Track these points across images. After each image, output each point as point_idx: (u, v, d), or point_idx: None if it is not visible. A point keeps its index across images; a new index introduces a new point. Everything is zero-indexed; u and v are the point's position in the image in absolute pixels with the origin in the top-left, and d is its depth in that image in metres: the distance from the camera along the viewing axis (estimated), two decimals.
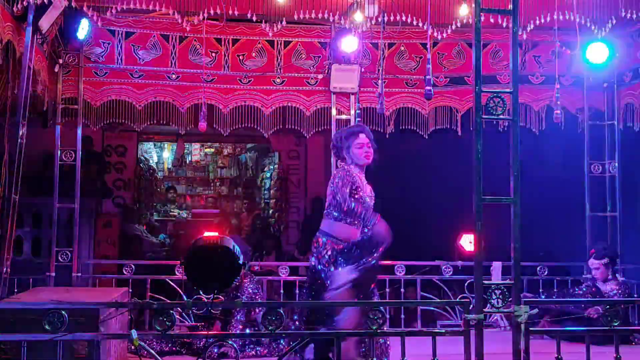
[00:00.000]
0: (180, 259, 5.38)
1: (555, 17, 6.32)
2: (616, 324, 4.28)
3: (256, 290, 6.39)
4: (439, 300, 7.30)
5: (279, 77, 7.52)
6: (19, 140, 5.99)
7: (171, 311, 4.11)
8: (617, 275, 7.00)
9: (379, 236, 4.92)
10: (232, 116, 7.44)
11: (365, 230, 4.98)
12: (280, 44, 7.48)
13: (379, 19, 6.46)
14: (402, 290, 7.39)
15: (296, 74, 7.54)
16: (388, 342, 4.94)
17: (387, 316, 4.63)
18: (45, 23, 6.15)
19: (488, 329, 6.33)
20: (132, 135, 11.78)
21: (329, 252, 4.91)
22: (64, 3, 5.93)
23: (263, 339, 6.04)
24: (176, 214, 14.70)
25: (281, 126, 7.64)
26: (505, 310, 4.28)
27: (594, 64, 7.27)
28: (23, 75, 5.90)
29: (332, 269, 4.87)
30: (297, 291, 7.12)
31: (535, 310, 6.37)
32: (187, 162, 15.88)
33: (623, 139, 7.77)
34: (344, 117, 7.51)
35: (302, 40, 7.51)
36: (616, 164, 7.76)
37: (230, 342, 5.01)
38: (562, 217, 8.67)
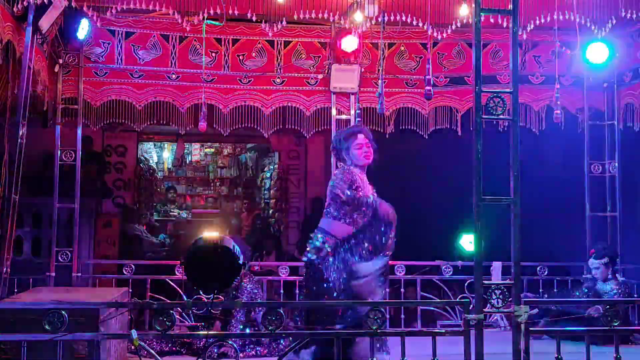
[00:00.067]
0: (180, 259, 5.39)
1: (555, 17, 6.31)
2: (616, 324, 4.27)
3: (256, 290, 6.39)
4: (439, 300, 7.30)
5: (279, 77, 7.51)
6: (19, 140, 5.99)
7: (171, 311, 4.11)
8: (617, 275, 7.00)
9: (386, 216, 4.93)
10: (232, 116, 7.44)
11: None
12: (280, 44, 7.48)
13: (379, 19, 6.46)
14: (402, 290, 7.40)
15: (296, 74, 7.54)
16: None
17: (387, 316, 4.63)
18: (45, 23, 6.15)
19: (488, 329, 6.33)
20: (132, 135, 11.78)
21: (327, 245, 4.92)
22: (64, 3, 5.93)
23: (263, 339, 6.04)
24: (176, 214, 14.69)
25: (281, 126, 7.63)
26: (505, 310, 4.28)
27: (594, 64, 7.27)
28: (23, 75, 5.90)
29: (331, 260, 4.88)
30: (297, 291, 7.12)
31: (535, 310, 6.39)
32: (187, 162, 15.88)
33: (623, 139, 7.77)
34: (344, 117, 7.51)
35: (302, 40, 7.51)
36: (616, 164, 7.76)
37: (230, 342, 5.00)
38: (562, 217, 8.67)
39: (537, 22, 6.40)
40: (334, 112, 7.51)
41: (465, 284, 7.37)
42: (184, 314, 6.89)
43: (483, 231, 4.22)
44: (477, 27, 4.34)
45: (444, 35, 6.63)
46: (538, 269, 7.68)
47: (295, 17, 6.24)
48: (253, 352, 6.05)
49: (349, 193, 4.94)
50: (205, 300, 4.66)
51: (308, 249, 5.10)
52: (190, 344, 5.98)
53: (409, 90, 7.65)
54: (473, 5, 4.33)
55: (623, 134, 7.75)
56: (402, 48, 7.62)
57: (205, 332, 4.57)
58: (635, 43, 7.29)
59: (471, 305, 4.45)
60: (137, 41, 7.26)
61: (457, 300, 6.94)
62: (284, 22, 6.29)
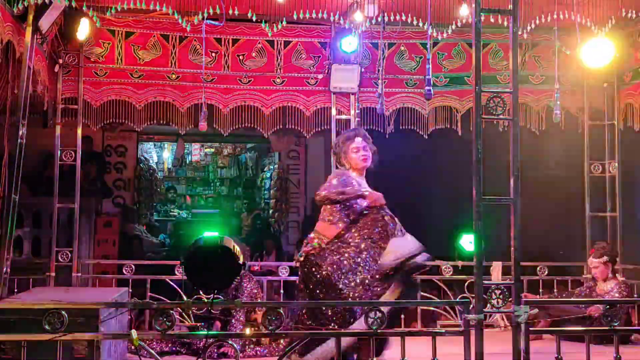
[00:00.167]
0: (180, 259, 5.39)
1: (555, 17, 6.31)
2: (616, 324, 4.28)
3: (255, 290, 6.39)
4: (439, 300, 7.30)
5: (279, 77, 7.51)
6: (19, 140, 5.99)
7: (171, 311, 4.11)
8: (617, 275, 7.00)
9: (378, 200, 4.91)
10: (232, 116, 7.44)
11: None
12: (280, 44, 7.48)
13: (379, 19, 6.46)
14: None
15: (296, 74, 7.54)
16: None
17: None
18: (45, 23, 6.15)
19: (488, 329, 6.32)
20: (132, 135, 11.79)
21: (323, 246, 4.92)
22: (64, 3, 5.93)
23: (263, 339, 6.04)
24: (176, 214, 14.71)
25: (281, 126, 7.63)
26: (505, 310, 4.28)
27: (594, 64, 7.26)
28: (23, 75, 5.90)
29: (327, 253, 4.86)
30: (297, 291, 7.11)
31: (535, 310, 6.40)
32: (187, 162, 15.91)
33: (623, 139, 7.77)
34: (344, 117, 7.51)
35: (302, 40, 7.51)
36: (616, 164, 7.76)
37: (230, 342, 5.00)
38: (562, 217, 8.67)
39: (537, 22, 6.40)
40: (334, 112, 7.50)
41: (465, 284, 7.37)
42: (184, 314, 6.89)
43: (483, 231, 4.22)
44: (477, 27, 4.35)
45: (444, 35, 6.63)
46: (538, 269, 7.67)
47: (295, 17, 6.24)
48: (253, 352, 6.05)
49: (338, 187, 4.95)
50: (205, 300, 4.66)
51: (302, 249, 5.08)
52: (190, 344, 5.98)
53: (409, 90, 7.65)
54: (473, 5, 4.34)
55: (623, 134, 7.75)
56: (402, 48, 7.61)
57: (205, 332, 4.56)
58: (635, 43, 7.28)
59: (471, 305, 4.45)
60: (137, 41, 7.26)
61: (457, 300, 6.94)
62: (284, 22, 6.29)
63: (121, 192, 11.80)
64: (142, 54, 7.27)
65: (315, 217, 5.25)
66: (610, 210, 7.77)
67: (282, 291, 7.42)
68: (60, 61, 7.09)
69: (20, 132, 5.97)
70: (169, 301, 6.62)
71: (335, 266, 4.79)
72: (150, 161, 14.60)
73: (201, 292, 6.15)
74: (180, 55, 7.32)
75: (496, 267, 7.32)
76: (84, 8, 6.17)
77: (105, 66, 7.25)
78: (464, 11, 6.27)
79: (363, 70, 7.46)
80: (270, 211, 13.00)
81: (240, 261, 4.55)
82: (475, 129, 4.27)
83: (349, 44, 7.15)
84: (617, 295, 6.69)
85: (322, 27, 7.45)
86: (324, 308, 4.74)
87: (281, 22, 6.25)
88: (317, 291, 4.82)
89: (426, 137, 7.70)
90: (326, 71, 7.47)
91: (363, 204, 4.98)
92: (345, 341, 4.42)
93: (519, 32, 4.76)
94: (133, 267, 7.30)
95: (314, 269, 4.85)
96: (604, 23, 6.47)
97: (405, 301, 4.49)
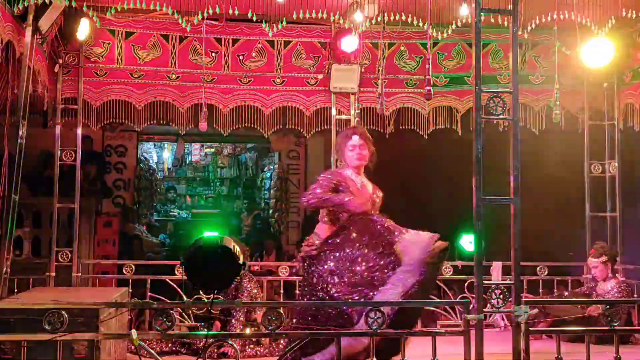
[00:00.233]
0: (180, 259, 5.38)
1: (555, 17, 6.31)
2: (616, 324, 4.28)
3: (255, 290, 6.39)
4: (439, 300, 7.28)
5: (279, 77, 7.51)
6: (19, 140, 5.99)
7: (171, 311, 4.11)
8: (617, 274, 7.00)
9: (359, 208, 4.85)
10: (232, 116, 7.44)
11: None
12: (280, 44, 7.47)
13: (379, 19, 6.45)
14: None
15: (296, 74, 7.54)
16: None
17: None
18: (45, 23, 6.15)
19: (488, 329, 6.33)
20: (132, 135, 11.81)
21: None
22: (64, 3, 5.93)
23: (263, 339, 6.04)
24: (176, 214, 14.72)
25: (281, 126, 7.63)
26: (505, 310, 4.28)
27: (594, 64, 7.26)
28: (23, 75, 5.90)
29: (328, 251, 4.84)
30: (297, 291, 7.11)
31: (535, 310, 6.39)
32: (187, 162, 15.91)
33: (623, 139, 7.77)
34: (344, 117, 7.50)
35: (302, 40, 7.51)
36: (616, 164, 7.76)
37: (230, 342, 5.00)
38: (562, 217, 8.67)
39: (537, 22, 6.40)
40: (334, 112, 7.50)
41: (465, 284, 7.37)
42: (184, 314, 6.89)
43: (483, 231, 4.22)
44: (477, 27, 4.35)
45: (444, 35, 6.63)
46: (538, 269, 7.67)
47: (295, 16, 6.24)
48: (253, 352, 6.06)
49: (318, 192, 4.93)
50: (205, 300, 4.66)
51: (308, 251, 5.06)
52: (190, 344, 5.98)
53: (409, 90, 7.64)
54: (473, 5, 4.34)
55: (623, 134, 7.75)
56: (402, 48, 7.61)
57: (205, 332, 4.55)
58: (635, 43, 7.28)
59: (471, 305, 4.45)
60: (137, 41, 7.26)
61: (457, 300, 6.94)
62: (284, 22, 6.29)
63: (121, 192, 11.81)
64: (142, 54, 7.27)
65: (316, 217, 5.25)
66: (610, 210, 7.77)
67: (282, 291, 7.43)
68: (60, 61, 7.09)
69: (20, 132, 5.97)
70: (169, 301, 6.62)
71: (330, 270, 4.77)
72: (150, 161, 14.62)
73: (201, 292, 6.16)
74: (180, 55, 7.32)
75: (496, 267, 7.31)
76: (84, 8, 6.18)
77: (105, 66, 7.25)
78: (464, 11, 6.27)
79: (363, 70, 7.47)
80: (270, 211, 13.01)
81: (240, 261, 4.54)
82: (475, 129, 4.27)
83: (349, 44, 7.15)
84: (617, 295, 6.69)
85: (322, 27, 7.45)
86: (318, 316, 4.69)
87: (281, 22, 6.25)
88: (310, 295, 4.82)
89: (426, 137, 7.70)
90: (326, 71, 7.47)
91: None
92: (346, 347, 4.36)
93: (519, 32, 4.76)
94: (133, 267, 7.30)
95: (312, 269, 4.85)
96: (604, 23, 6.47)
97: (405, 301, 4.47)
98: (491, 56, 7.60)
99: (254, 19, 6.24)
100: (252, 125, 7.50)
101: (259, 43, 7.43)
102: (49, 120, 7.27)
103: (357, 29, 6.85)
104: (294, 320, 4.86)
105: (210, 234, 5.06)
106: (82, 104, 7.18)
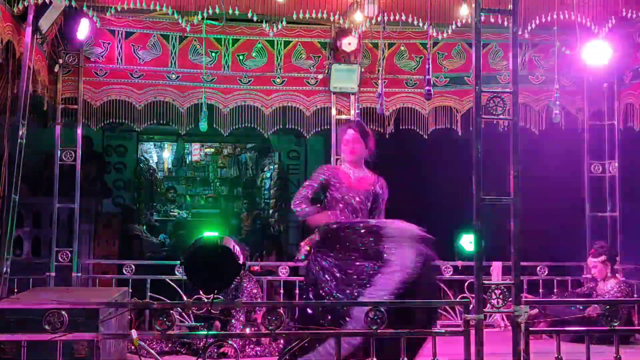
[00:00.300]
0: (180, 259, 5.39)
1: (555, 17, 6.31)
2: (616, 324, 4.27)
3: (255, 290, 6.39)
4: (439, 301, 7.27)
5: (279, 77, 7.51)
6: (19, 140, 5.99)
7: (171, 311, 4.11)
8: (617, 274, 7.00)
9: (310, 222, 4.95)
10: (232, 116, 7.44)
11: None
12: (280, 44, 7.48)
13: (379, 19, 6.45)
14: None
15: (296, 74, 7.54)
16: None
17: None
18: (45, 23, 6.15)
19: (488, 329, 6.32)
20: (132, 135, 11.80)
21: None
22: (64, 3, 5.93)
23: (263, 339, 6.04)
24: (176, 214, 14.71)
25: (281, 126, 7.64)
26: (505, 310, 4.28)
27: (594, 64, 7.26)
28: (23, 75, 5.90)
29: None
30: (297, 291, 7.11)
31: (535, 310, 6.39)
32: (187, 162, 15.90)
33: (623, 139, 7.77)
34: (344, 117, 7.50)
35: (302, 40, 7.51)
36: (616, 164, 7.76)
37: (230, 342, 5.00)
38: (562, 217, 8.66)
39: (537, 22, 6.40)
40: (334, 112, 7.51)
41: (465, 284, 7.37)
42: (184, 314, 6.89)
43: (483, 231, 4.22)
44: (477, 27, 4.35)
45: (444, 35, 6.63)
46: (538, 269, 7.67)
47: (295, 16, 6.24)
48: (253, 352, 6.06)
49: (302, 192, 5.03)
50: (205, 300, 4.66)
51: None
52: (190, 344, 5.98)
53: (409, 90, 7.65)
54: (473, 5, 4.34)
55: (623, 134, 7.75)
56: (402, 48, 7.61)
57: (205, 332, 4.55)
58: (635, 43, 7.28)
59: (471, 305, 4.45)
60: (137, 41, 7.26)
61: (457, 300, 6.93)
62: (284, 22, 6.29)
63: (121, 192, 11.81)
64: (142, 54, 7.27)
65: None
66: (610, 210, 7.77)
67: (282, 291, 7.43)
68: (60, 61, 7.09)
69: (20, 132, 5.97)
70: (169, 301, 6.62)
71: (322, 267, 4.79)
72: (150, 161, 14.61)
73: (201, 292, 6.15)
74: (180, 55, 7.32)
75: (496, 267, 7.32)
76: (84, 8, 6.17)
77: (105, 66, 7.25)
78: (464, 11, 6.28)
79: (363, 70, 7.47)
80: (270, 211, 13.00)
81: (240, 261, 4.54)
82: (475, 129, 4.27)
83: (349, 44, 7.15)
84: (617, 295, 6.69)
85: (322, 27, 7.45)
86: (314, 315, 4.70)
87: (281, 22, 6.26)
88: (304, 296, 4.86)
89: (426, 137, 7.70)
90: (326, 71, 7.47)
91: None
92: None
93: (519, 32, 4.76)
94: (133, 267, 7.30)
95: (310, 267, 4.89)
96: (604, 23, 6.46)
97: (407, 301, 4.47)
98: (491, 56, 7.60)
99: (254, 19, 6.25)
100: (252, 125, 7.50)
101: (259, 43, 7.43)
102: (49, 120, 7.27)
103: (357, 29, 6.86)
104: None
105: (210, 234, 5.06)
106: (82, 104, 7.18)
